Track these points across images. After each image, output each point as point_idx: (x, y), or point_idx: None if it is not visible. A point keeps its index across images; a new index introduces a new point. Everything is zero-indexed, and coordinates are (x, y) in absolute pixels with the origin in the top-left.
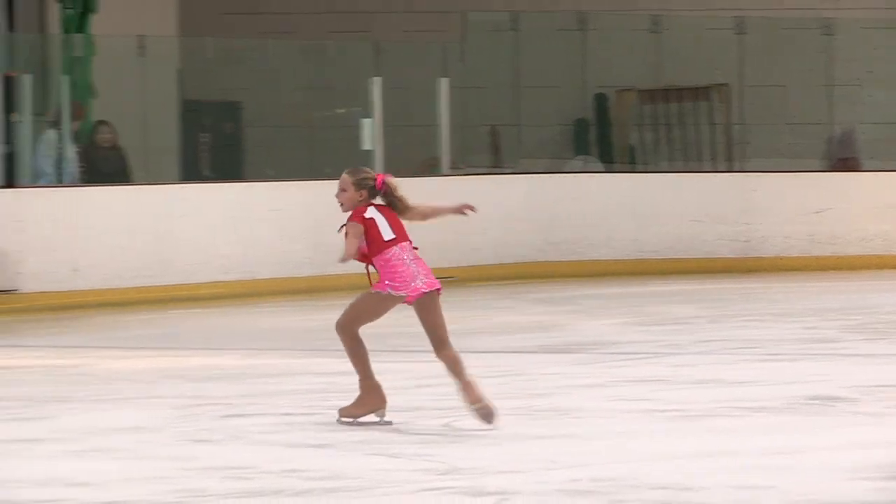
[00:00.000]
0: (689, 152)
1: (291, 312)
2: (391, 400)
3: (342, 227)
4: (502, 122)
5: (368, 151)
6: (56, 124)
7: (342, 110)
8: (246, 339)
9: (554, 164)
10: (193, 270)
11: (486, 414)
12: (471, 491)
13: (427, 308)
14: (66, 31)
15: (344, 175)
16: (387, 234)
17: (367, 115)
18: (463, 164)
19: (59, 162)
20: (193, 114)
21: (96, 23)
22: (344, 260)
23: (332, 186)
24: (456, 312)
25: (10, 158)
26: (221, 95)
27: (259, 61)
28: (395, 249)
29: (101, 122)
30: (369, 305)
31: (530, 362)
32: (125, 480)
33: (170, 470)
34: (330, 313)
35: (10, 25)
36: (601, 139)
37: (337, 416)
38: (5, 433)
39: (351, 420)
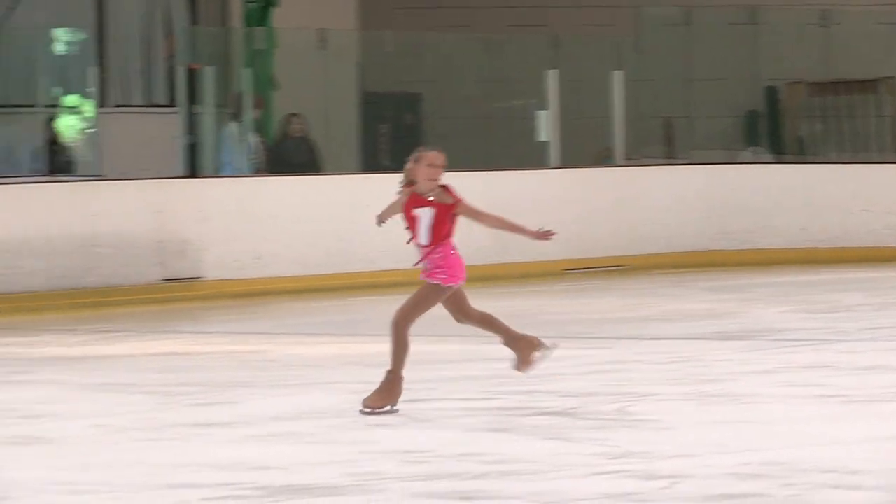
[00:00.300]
0: (856, 143)
1: (470, 299)
2: (567, 385)
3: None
4: (675, 113)
5: (544, 142)
6: (237, 116)
7: (519, 102)
8: (425, 326)
9: (725, 154)
10: (374, 258)
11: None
12: (643, 475)
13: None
14: (249, 24)
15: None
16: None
17: (543, 107)
18: (636, 155)
19: (241, 153)
20: (373, 106)
21: (278, 16)
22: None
23: (509, 176)
24: (629, 300)
25: (194, 149)
26: (401, 87)
27: (438, 54)
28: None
29: (293, 114)
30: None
31: (702, 349)
32: (306, 464)
33: (349, 454)
34: (509, 300)
35: (194, 19)
36: (771, 131)
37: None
38: (189, 418)
39: (370, 411)
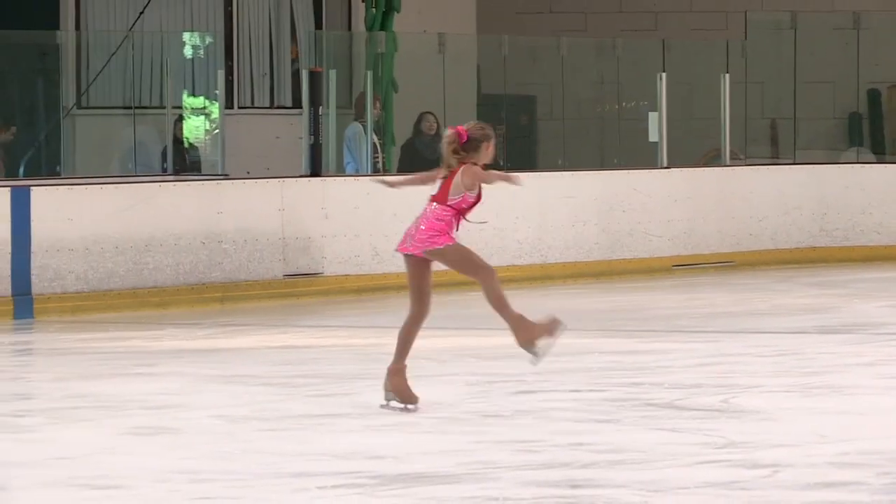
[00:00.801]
0: None
1: (582, 294)
2: (674, 377)
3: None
4: (781, 115)
5: (654, 143)
6: (359, 117)
7: (630, 104)
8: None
9: (829, 155)
10: (489, 255)
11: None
12: (746, 463)
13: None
14: (371, 29)
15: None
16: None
17: (654, 109)
18: (743, 155)
19: (362, 153)
20: (490, 107)
21: (399, 21)
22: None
23: (620, 175)
24: (736, 295)
25: (316, 149)
26: (517, 90)
27: (552, 58)
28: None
29: (427, 113)
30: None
31: (805, 342)
32: (422, 454)
33: (464, 443)
34: (619, 295)
35: (318, 24)
36: (873, 132)
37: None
38: (309, 409)
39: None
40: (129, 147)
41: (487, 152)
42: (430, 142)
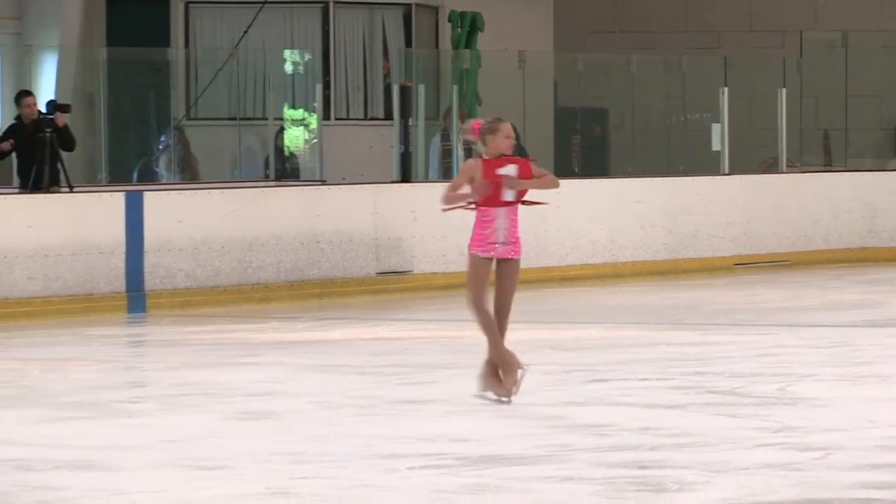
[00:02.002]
0: None
1: (649, 291)
2: (734, 366)
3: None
4: (833, 126)
5: (717, 152)
6: (445, 128)
7: (695, 116)
8: (610, 314)
9: (877, 163)
10: (565, 254)
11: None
12: (800, 446)
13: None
14: (456, 47)
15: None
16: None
17: (716, 121)
18: (798, 163)
19: (447, 160)
20: (566, 119)
21: (482, 40)
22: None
23: (686, 182)
24: (791, 291)
25: (407, 157)
26: (590, 103)
27: (623, 73)
28: None
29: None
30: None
31: (855, 335)
32: (502, 437)
33: (541, 427)
34: (684, 292)
35: (408, 42)
36: None
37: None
38: (397, 395)
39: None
40: (235, 155)
41: (495, 145)
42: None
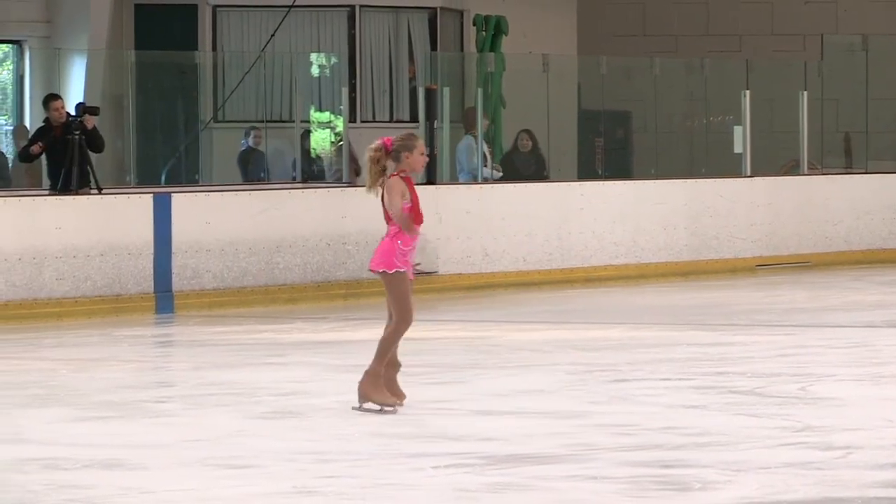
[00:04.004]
0: None
1: (672, 292)
2: (756, 366)
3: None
4: (853, 129)
5: (739, 154)
6: (470, 130)
7: (717, 118)
8: (632, 315)
9: None
10: (588, 255)
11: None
12: (821, 446)
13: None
14: (481, 50)
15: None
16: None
17: (739, 123)
18: (819, 165)
19: (473, 162)
20: (589, 122)
21: (506, 43)
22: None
23: (708, 184)
24: (813, 292)
25: (432, 159)
26: (613, 105)
27: (646, 76)
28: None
29: (523, 131)
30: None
31: (876, 335)
32: (526, 436)
33: (565, 427)
34: (706, 293)
35: (434, 45)
36: None
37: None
38: (425, 395)
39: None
40: (262, 157)
41: (412, 161)
42: (525, 158)
